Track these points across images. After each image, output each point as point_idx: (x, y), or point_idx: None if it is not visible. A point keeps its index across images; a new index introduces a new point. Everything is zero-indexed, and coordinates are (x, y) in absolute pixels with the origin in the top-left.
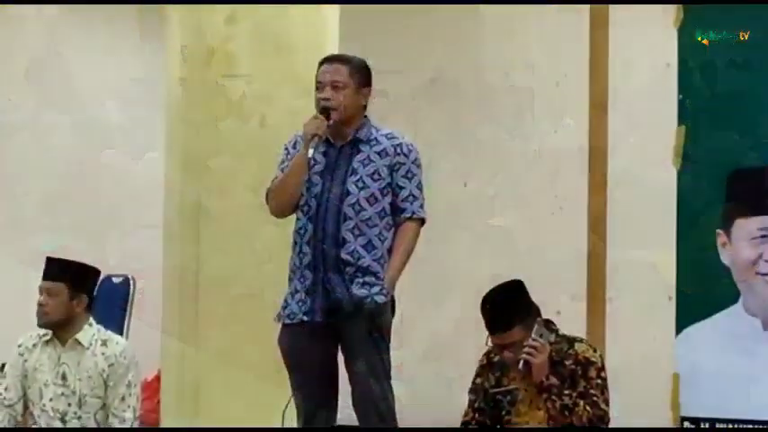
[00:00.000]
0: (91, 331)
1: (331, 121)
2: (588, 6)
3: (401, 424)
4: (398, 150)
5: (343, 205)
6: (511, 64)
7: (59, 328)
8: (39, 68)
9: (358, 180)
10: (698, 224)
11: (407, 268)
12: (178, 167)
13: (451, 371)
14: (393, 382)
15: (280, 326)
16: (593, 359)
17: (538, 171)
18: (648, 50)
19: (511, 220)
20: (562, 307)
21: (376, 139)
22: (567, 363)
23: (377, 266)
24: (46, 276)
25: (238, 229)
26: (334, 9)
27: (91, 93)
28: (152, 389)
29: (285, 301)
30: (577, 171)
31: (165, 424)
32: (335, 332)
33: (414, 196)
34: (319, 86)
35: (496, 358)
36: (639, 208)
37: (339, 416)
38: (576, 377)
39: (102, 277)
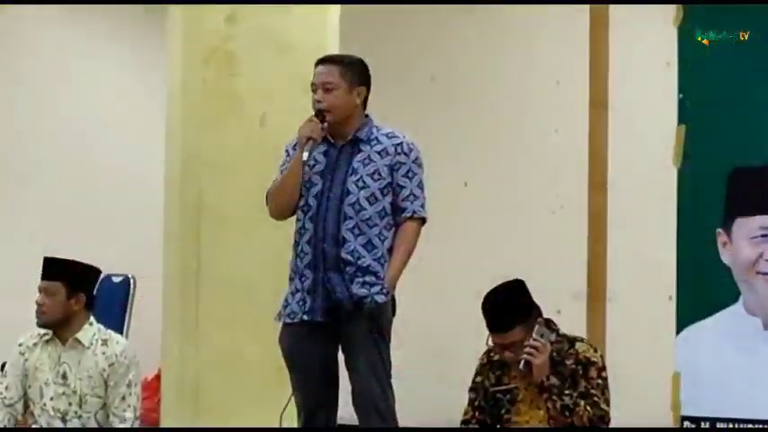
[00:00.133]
0: (91, 330)
1: (325, 124)
2: (588, 6)
3: (401, 424)
4: (399, 150)
5: (344, 205)
6: (511, 63)
7: (59, 327)
8: (39, 67)
9: (358, 180)
10: (698, 223)
11: (408, 268)
12: (179, 166)
13: (451, 371)
14: (393, 381)
15: (280, 325)
16: (593, 359)
17: (538, 170)
18: (648, 49)
19: (511, 220)
20: (563, 306)
21: (377, 138)
22: (567, 362)
23: (377, 266)
24: (44, 276)
25: (239, 228)
26: (334, 8)
27: (91, 91)
28: (152, 388)
29: (286, 300)
30: (577, 170)
31: (165, 423)
32: (336, 332)
33: (414, 195)
34: (313, 88)
35: (497, 357)
36: (640, 207)
37: (339, 414)
38: (577, 377)
39: (102, 277)
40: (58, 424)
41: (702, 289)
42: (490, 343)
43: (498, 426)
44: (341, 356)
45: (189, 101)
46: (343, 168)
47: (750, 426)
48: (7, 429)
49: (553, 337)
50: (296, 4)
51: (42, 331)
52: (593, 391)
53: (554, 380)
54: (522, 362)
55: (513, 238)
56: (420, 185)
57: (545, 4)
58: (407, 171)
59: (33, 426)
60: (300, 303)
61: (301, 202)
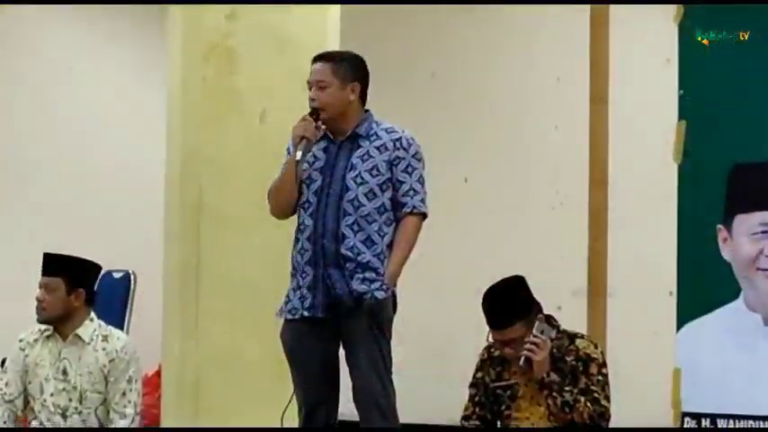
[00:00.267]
0: (92, 326)
1: (320, 122)
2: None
3: (401, 422)
4: (398, 145)
5: (343, 201)
6: (511, 60)
7: (59, 323)
8: (39, 67)
9: (356, 176)
10: (698, 219)
11: (408, 265)
12: (179, 164)
13: (451, 368)
14: (393, 378)
15: (281, 321)
16: (594, 355)
17: (538, 167)
18: (648, 46)
19: (511, 217)
20: (563, 303)
21: (376, 133)
22: (568, 359)
23: (377, 262)
24: (44, 272)
25: (239, 225)
26: (335, 5)
27: (91, 90)
28: (153, 384)
29: (287, 296)
30: (578, 167)
31: (165, 419)
32: (337, 328)
33: (414, 190)
34: (309, 86)
35: (497, 353)
36: (640, 203)
37: (340, 411)
38: (577, 373)
39: (102, 272)
40: (59, 420)
41: (703, 285)
42: (490, 339)
43: (498, 421)
44: (342, 353)
45: (189, 98)
46: (342, 164)
47: (751, 422)
48: (10, 429)
49: (553, 333)
50: (296, 3)
51: (43, 327)
52: (593, 388)
53: (554, 376)
54: (523, 358)
55: (513, 235)
56: (420, 180)
57: (546, 4)
58: (407, 166)
59: (33, 421)
60: (301, 300)
61: (302, 199)
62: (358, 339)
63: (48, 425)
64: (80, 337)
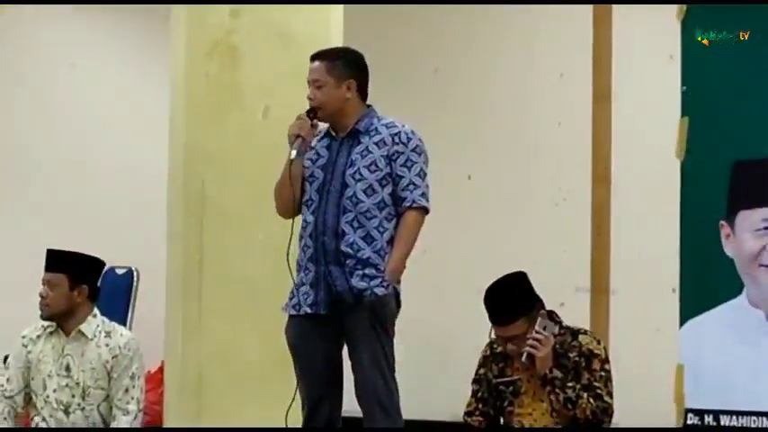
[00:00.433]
0: (95, 322)
1: (315, 121)
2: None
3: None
4: (397, 139)
5: (343, 198)
6: (514, 56)
7: (62, 318)
8: (39, 67)
9: (355, 172)
10: (701, 216)
11: (410, 262)
12: (181, 160)
13: (453, 366)
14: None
15: (284, 318)
16: (596, 351)
17: (541, 163)
18: (651, 42)
19: (514, 213)
20: (566, 299)
21: (376, 128)
22: (570, 355)
23: (377, 258)
24: (47, 268)
25: (242, 221)
26: (338, 3)
27: (92, 87)
28: (155, 380)
29: (292, 292)
30: (580, 163)
31: (168, 416)
32: (340, 325)
33: (414, 184)
34: (308, 85)
35: (500, 349)
36: (642, 200)
37: (344, 408)
38: (580, 369)
39: (105, 269)
40: (61, 416)
41: (705, 281)
42: (493, 335)
43: (501, 417)
44: (345, 349)
45: (192, 94)
46: (342, 161)
47: (754, 418)
48: (13, 429)
49: (556, 329)
50: (300, 3)
51: (46, 323)
52: (596, 384)
53: (557, 372)
54: (525, 354)
55: (516, 232)
56: (420, 174)
57: (548, 4)
58: (406, 160)
59: (36, 417)
60: (305, 296)
61: (305, 197)
62: (360, 337)
63: (50, 421)
64: (83, 333)
